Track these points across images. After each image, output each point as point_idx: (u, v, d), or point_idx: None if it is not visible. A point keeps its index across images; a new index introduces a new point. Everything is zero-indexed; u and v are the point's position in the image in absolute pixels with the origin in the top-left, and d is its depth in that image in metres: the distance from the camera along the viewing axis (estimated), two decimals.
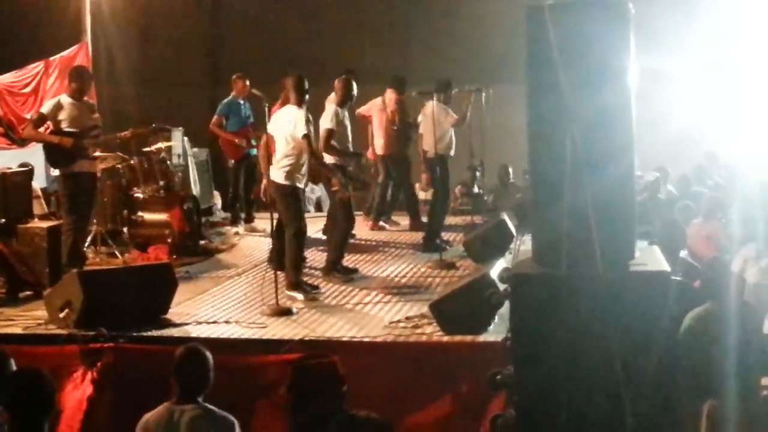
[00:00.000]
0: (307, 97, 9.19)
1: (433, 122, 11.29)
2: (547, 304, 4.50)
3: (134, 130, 10.83)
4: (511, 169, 15.29)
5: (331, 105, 10.10)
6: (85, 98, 10.15)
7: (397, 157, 12.38)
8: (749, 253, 7.82)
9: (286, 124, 9.01)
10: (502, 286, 6.51)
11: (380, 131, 12.32)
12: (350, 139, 10.17)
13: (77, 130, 9.83)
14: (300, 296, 8.83)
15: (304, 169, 9.18)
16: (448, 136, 11.72)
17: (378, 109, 12.41)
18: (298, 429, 4.61)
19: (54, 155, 9.91)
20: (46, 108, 10.09)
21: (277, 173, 9.02)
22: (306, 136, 8.94)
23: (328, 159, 9.81)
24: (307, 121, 9.00)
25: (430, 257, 10.69)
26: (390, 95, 12.27)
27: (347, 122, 10.09)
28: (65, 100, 9.96)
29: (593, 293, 4.38)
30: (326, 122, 9.84)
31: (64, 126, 9.81)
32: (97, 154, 10.81)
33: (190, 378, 5.53)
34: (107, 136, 10.38)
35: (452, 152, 11.90)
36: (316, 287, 9.31)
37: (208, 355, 5.62)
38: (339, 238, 9.90)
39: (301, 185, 9.19)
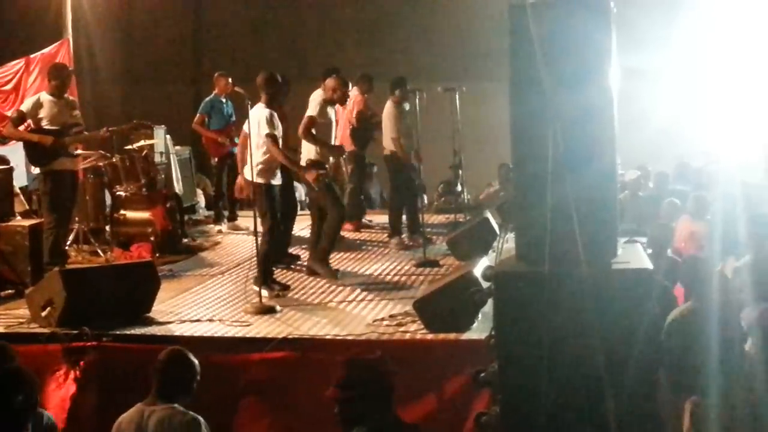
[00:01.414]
0: (277, 93, 9.21)
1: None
2: (530, 301, 4.51)
3: (109, 129, 10.68)
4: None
5: (319, 97, 10.06)
6: (66, 95, 10.11)
7: (354, 156, 12.29)
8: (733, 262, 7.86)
9: (255, 122, 9.01)
10: (485, 284, 6.53)
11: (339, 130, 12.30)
12: (333, 137, 10.17)
13: (57, 128, 9.79)
14: (265, 293, 8.75)
15: (278, 166, 9.17)
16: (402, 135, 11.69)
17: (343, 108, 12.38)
18: (345, 426, 4.54)
19: (34, 153, 9.89)
20: (25, 106, 10.06)
21: (249, 170, 9.02)
22: (268, 135, 8.92)
23: (309, 154, 9.79)
24: (269, 121, 8.95)
25: (412, 255, 10.72)
26: (355, 93, 12.15)
27: (333, 118, 10.08)
28: (45, 97, 9.92)
29: (576, 291, 4.40)
30: (310, 110, 9.84)
31: (44, 124, 9.78)
32: (79, 152, 10.78)
33: (168, 380, 5.52)
34: (87, 134, 10.30)
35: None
36: (287, 286, 9.28)
37: (195, 361, 5.60)
38: (330, 229, 9.85)
39: (275, 182, 9.17)
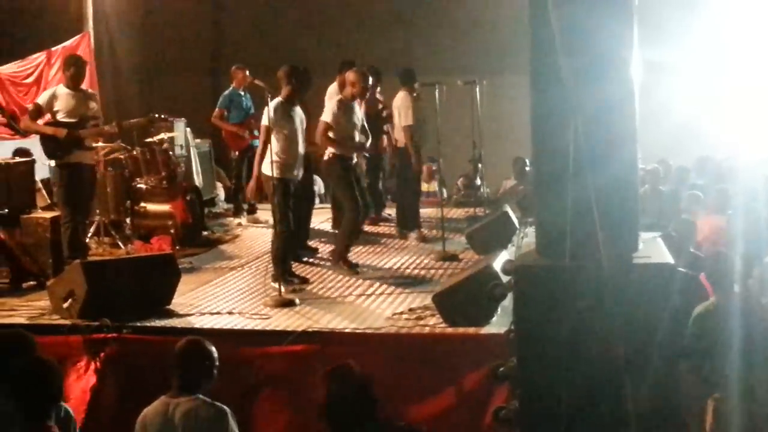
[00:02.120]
0: (296, 87, 9.15)
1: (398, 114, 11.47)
2: (550, 296, 4.50)
3: (119, 123, 10.61)
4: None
5: (335, 96, 10.03)
6: (83, 87, 10.08)
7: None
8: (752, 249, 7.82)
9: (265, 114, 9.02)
10: (505, 278, 6.53)
11: None
12: (357, 135, 10.07)
13: (74, 121, 9.74)
14: (282, 288, 8.70)
15: (296, 161, 9.14)
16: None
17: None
18: None
19: (49, 146, 9.83)
20: (42, 99, 10.01)
21: (267, 165, 9.02)
22: (266, 126, 8.89)
23: (329, 149, 9.80)
24: (273, 113, 8.87)
25: (432, 248, 10.71)
26: None
27: (357, 115, 10.03)
28: (61, 90, 9.87)
29: (596, 285, 4.38)
30: (326, 115, 9.82)
31: (60, 117, 9.73)
32: (100, 144, 10.80)
33: (188, 372, 5.52)
34: (98, 128, 10.12)
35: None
36: (306, 279, 9.27)
37: (212, 349, 5.60)
38: (346, 227, 9.85)
39: (292, 177, 9.14)
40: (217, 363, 5.61)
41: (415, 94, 11.64)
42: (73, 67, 9.93)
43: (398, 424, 5.02)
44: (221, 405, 5.48)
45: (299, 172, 9.27)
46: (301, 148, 9.25)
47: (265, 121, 8.91)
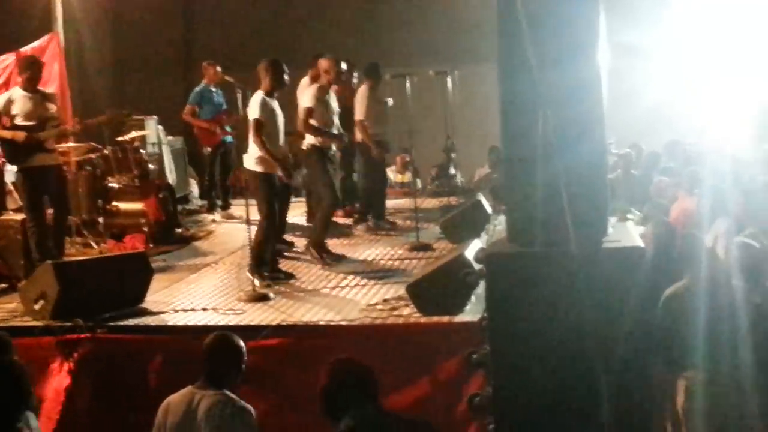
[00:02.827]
0: (277, 80, 9.04)
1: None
2: (521, 282, 4.51)
3: (82, 120, 10.47)
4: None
5: (313, 85, 10.00)
6: (40, 88, 9.79)
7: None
8: (720, 228, 7.87)
9: (249, 109, 8.96)
10: (478, 266, 6.53)
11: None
12: (336, 121, 10.11)
13: (32, 123, 9.40)
14: (257, 282, 8.72)
15: (278, 155, 9.11)
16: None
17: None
18: (332, 419, 4.71)
19: (10, 151, 9.55)
20: None
21: (249, 159, 8.98)
22: (255, 120, 8.84)
23: (309, 140, 9.78)
24: (258, 106, 8.86)
25: (406, 239, 10.72)
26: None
27: (334, 103, 10.03)
28: (17, 93, 9.53)
29: (567, 270, 4.39)
30: (306, 101, 9.80)
31: (19, 120, 9.39)
32: (71, 144, 10.70)
33: (216, 366, 5.49)
34: (59, 129, 9.82)
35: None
36: (291, 275, 9.24)
37: (241, 344, 5.60)
38: (323, 217, 9.83)
39: (276, 172, 9.10)
40: (245, 358, 5.59)
41: (373, 88, 11.56)
42: (29, 70, 9.62)
43: (394, 414, 5.04)
44: (245, 404, 5.44)
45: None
46: (282, 142, 9.21)
47: (255, 114, 8.84)
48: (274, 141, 9.06)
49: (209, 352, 5.54)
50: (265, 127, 8.88)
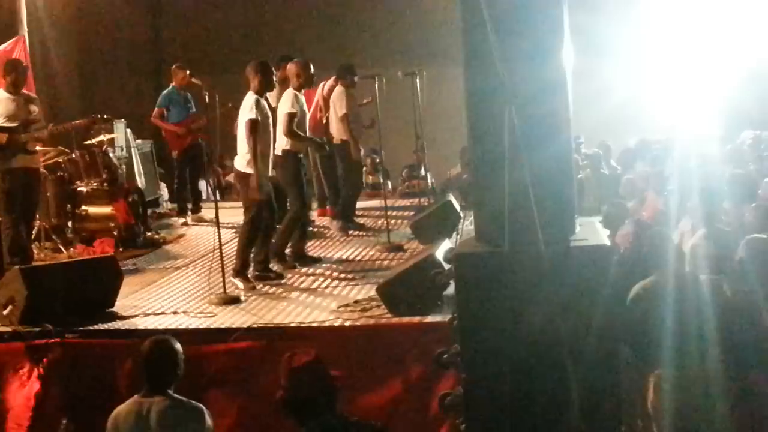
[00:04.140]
0: (268, 81, 9.03)
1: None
2: (490, 281, 4.52)
3: (67, 123, 10.54)
4: None
5: (289, 90, 9.95)
6: (24, 91, 9.95)
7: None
8: (686, 226, 7.94)
9: (242, 110, 8.92)
10: (447, 267, 6.54)
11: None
12: (307, 125, 10.09)
13: (14, 125, 9.62)
14: (240, 284, 8.74)
15: (269, 157, 9.07)
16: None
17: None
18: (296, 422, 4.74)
19: None
20: None
21: (240, 161, 8.95)
22: (250, 121, 8.81)
23: (283, 144, 9.73)
24: (253, 107, 8.82)
25: (377, 240, 10.72)
26: (330, 83, 12.02)
27: (305, 108, 10.01)
28: (1, 95, 9.74)
29: (535, 269, 4.41)
30: (286, 106, 9.73)
31: (1, 122, 9.60)
32: (38, 148, 10.63)
33: (158, 370, 5.50)
34: (42, 131, 9.98)
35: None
36: (281, 275, 9.24)
37: (178, 346, 5.59)
38: (289, 225, 9.76)
39: (268, 174, 9.04)
40: (183, 357, 5.58)
41: (348, 88, 11.55)
42: (14, 73, 9.82)
43: (352, 419, 5.03)
44: (196, 403, 5.48)
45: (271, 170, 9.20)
46: (271, 143, 9.18)
47: (250, 115, 8.77)
48: (267, 143, 9.04)
49: (148, 359, 5.54)
50: (258, 128, 8.84)
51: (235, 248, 9.08)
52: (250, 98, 8.89)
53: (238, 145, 8.99)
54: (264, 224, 9.03)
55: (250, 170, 8.84)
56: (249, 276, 8.98)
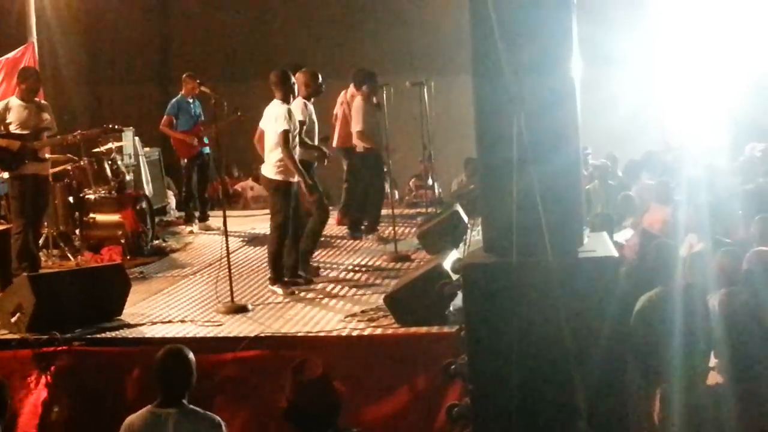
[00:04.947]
0: (292, 89, 9.08)
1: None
2: (498, 292, 4.53)
3: (80, 132, 10.69)
4: None
5: (298, 99, 9.96)
6: (37, 99, 10.03)
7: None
8: (693, 238, 7.92)
9: (272, 119, 8.95)
10: (455, 277, 6.54)
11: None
12: (317, 133, 10.10)
13: (27, 132, 9.71)
14: (279, 290, 8.82)
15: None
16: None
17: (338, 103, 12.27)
18: None
19: (2, 158, 9.76)
20: None
21: (269, 168, 8.99)
22: (284, 132, 8.84)
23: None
24: (286, 117, 8.86)
25: (384, 250, 10.71)
26: (352, 91, 12.02)
27: (314, 116, 10.02)
28: (14, 102, 9.85)
29: (543, 280, 4.42)
30: (297, 116, 9.72)
31: (13, 128, 9.70)
32: (48, 156, 10.69)
33: (173, 380, 5.43)
34: (56, 138, 10.22)
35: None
36: (311, 280, 9.30)
37: (191, 355, 5.54)
38: (314, 230, 9.75)
39: (294, 180, 9.08)
40: (195, 370, 5.52)
41: (366, 97, 11.56)
42: (30, 80, 9.94)
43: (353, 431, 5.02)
44: (213, 415, 5.43)
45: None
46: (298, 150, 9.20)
47: (284, 126, 8.82)
48: (295, 149, 9.07)
49: (162, 369, 5.45)
50: (289, 138, 8.89)
51: (246, 257, 9.09)
52: (281, 109, 8.90)
53: (266, 154, 9.02)
54: (293, 229, 9.11)
55: (279, 177, 8.91)
56: (286, 281, 9.05)
